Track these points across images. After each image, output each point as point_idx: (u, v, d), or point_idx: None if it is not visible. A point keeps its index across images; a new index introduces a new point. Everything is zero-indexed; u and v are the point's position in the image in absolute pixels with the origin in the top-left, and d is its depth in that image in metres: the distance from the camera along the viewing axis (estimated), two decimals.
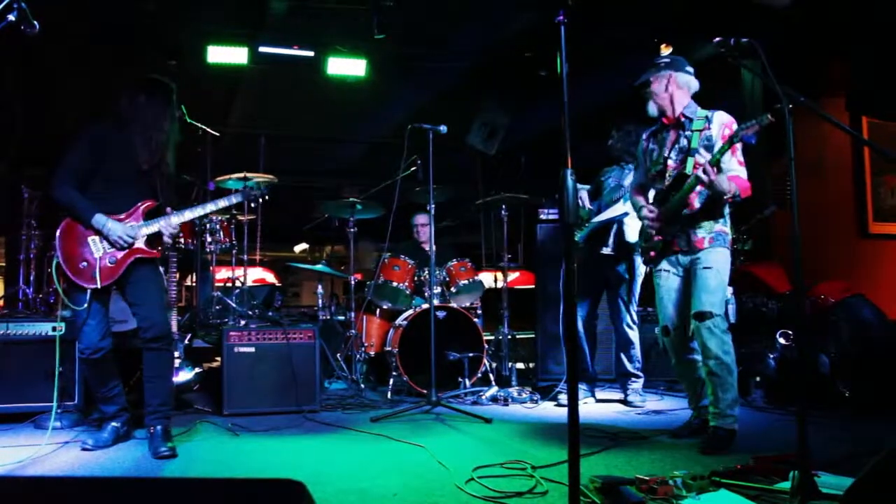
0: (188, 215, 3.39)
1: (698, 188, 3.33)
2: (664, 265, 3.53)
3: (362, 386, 5.06)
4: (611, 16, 5.51)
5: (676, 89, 3.48)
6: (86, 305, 3.21)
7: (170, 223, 3.33)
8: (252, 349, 4.25)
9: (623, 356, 4.65)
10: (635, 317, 4.67)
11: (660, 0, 5.52)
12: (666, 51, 5.58)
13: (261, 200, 3.67)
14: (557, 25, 2.05)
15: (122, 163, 3.29)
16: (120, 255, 3.26)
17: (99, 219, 3.20)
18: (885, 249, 6.18)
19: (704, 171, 3.15)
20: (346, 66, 6.53)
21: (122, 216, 3.28)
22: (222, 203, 3.51)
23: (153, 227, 3.31)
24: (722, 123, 3.39)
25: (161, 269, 3.60)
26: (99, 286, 3.22)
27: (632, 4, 5.58)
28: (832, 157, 6.00)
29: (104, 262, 3.23)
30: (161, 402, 3.33)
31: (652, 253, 3.58)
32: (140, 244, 3.29)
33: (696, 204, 3.40)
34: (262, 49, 6.30)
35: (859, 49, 5.65)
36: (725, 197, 3.26)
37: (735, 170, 3.33)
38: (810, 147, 5.63)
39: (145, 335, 3.30)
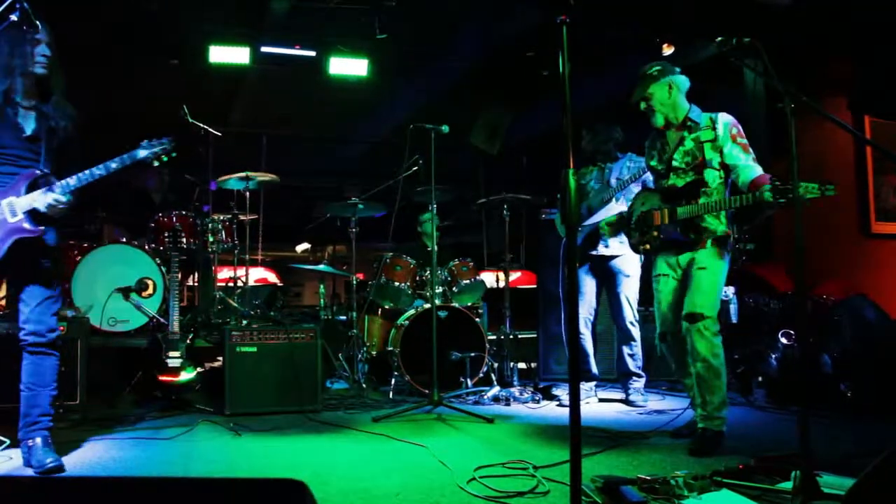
0: (73, 182, 2.83)
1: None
2: (663, 269, 3.49)
3: (364, 386, 5.06)
4: (612, 16, 5.51)
5: (678, 94, 3.45)
6: None
7: (48, 196, 2.79)
8: (254, 349, 4.25)
9: (625, 351, 4.63)
10: (637, 314, 4.67)
11: (662, 0, 5.51)
12: (668, 50, 5.58)
13: (165, 159, 3.03)
14: (559, 25, 2.04)
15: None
16: None
17: None
18: (888, 249, 6.16)
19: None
20: (348, 66, 6.54)
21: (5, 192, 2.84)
22: (114, 165, 2.89)
23: (24, 201, 2.80)
24: (727, 123, 3.36)
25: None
26: None
27: (633, 4, 5.58)
28: (834, 157, 5.98)
29: None
30: (42, 413, 2.95)
31: (647, 246, 3.55)
32: (19, 222, 2.80)
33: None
34: (264, 49, 6.31)
35: (861, 48, 5.64)
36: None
37: (751, 165, 3.27)
38: (812, 147, 5.61)
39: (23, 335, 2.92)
